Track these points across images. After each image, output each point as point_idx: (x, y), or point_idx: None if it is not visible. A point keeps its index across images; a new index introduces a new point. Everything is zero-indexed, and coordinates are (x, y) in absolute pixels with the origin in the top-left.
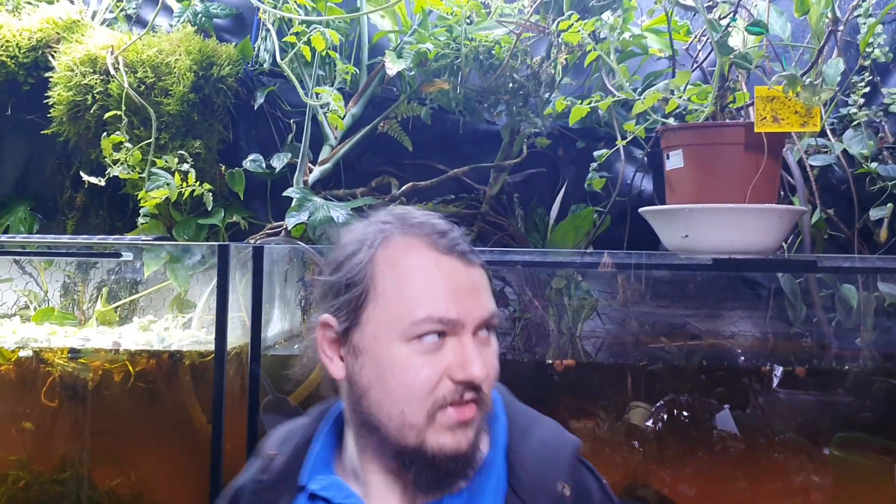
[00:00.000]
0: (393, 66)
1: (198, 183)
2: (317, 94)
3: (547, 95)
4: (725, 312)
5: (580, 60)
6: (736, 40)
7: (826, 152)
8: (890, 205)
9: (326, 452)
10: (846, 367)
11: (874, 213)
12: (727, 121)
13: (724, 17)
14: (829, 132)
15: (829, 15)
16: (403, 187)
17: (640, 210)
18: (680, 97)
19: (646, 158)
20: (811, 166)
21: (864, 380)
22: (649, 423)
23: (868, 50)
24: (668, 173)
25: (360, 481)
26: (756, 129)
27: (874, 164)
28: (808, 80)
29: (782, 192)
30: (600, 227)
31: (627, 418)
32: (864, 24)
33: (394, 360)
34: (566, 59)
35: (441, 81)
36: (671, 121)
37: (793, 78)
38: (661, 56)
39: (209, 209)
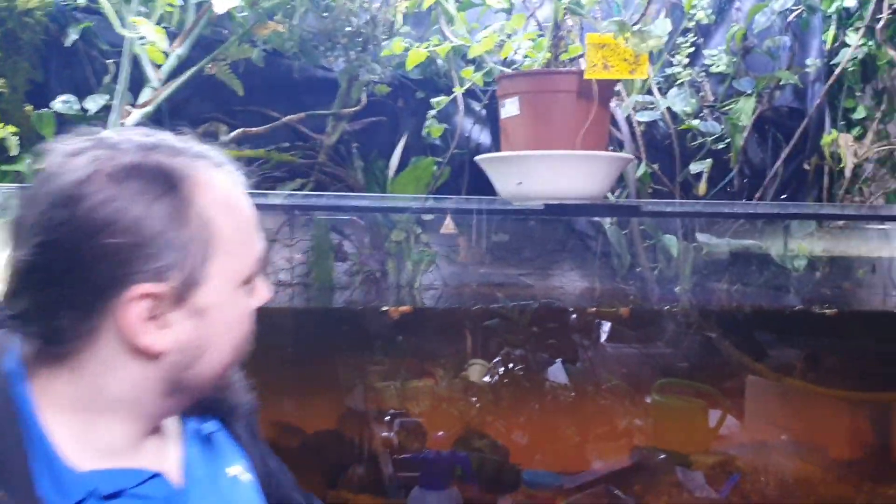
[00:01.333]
0: (221, 3)
1: (1, 125)
2: (134, 25)
3: (385, 41)
4: (557, 265)
5: (424, 11)
6: None
7: (652, 109)
8: (709, 160)
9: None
10: (668, 316)
11: (694, 168)
12: (559, 68)
13: None
14: (655, 90)
15: None
16: (232, 133)
17: (477, 158)
18: (515, 42)
19: (484, 111)
20: (638, 122)
21: (683, 327)
22: (486, 378)
23: (692, 11)
24: (504, 121)
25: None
26: (587, 76)
27: (695, 121)
28: (637, 27)
29: (611, 147)
30: (439, 178)
31: (466, 375)
32: None
33: (239, 309)
34: (406, 6)
35: (275, 23)
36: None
37: (622, 24)
38: (499, 8)
39: (13, 154)
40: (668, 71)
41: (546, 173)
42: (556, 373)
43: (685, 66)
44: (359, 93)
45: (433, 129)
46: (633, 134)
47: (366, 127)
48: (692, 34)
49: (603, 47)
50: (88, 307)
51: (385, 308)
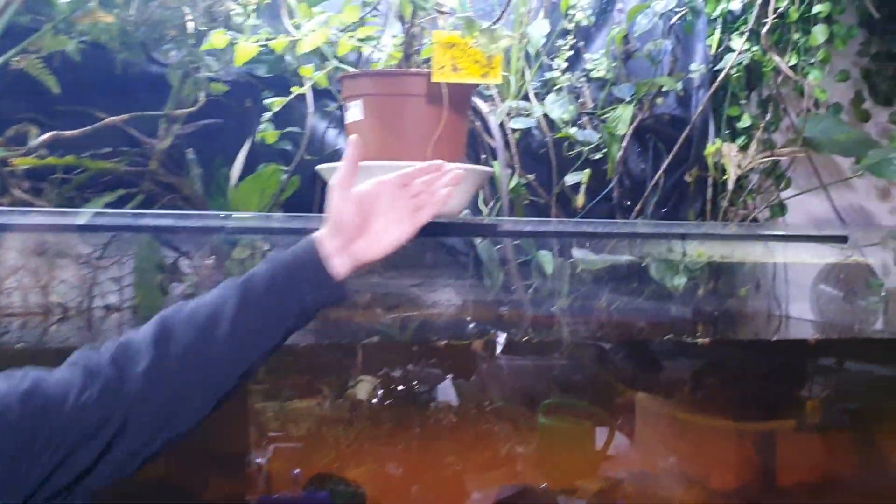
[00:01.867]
0: None
1: None
2: None
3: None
4: (436, 281)
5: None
6: None
7: (528, 115)
8: (587, 170)
9: None
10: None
11: (570, 179)
12: (406, 69)
13: None
14: (532, 96)
15: None
16: (42, 136)
17: (317, 168)
18: (352, 37)
19: (340, 112)
20: (512, 129)
21: (563, 345)
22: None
23: (571, 12)
24: (349, 126)
25: None
26: (434, 79)
27: (573, 129)
28: (487, 24)
29: (484, 156)
30: (286, 188)
31: (353, 393)
32: None
33: None
34: None
35: (101, 12)
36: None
37: (469, 21)
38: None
39: None
40: (547, 75)
41: None
42: (443, 391)
43: (564, 71)
44: (193, 91)
45: (267, 133)
46: (506, 142)
47: (208, 131)
48: (571, 36)
49: (452, 47)
50: None
51: None
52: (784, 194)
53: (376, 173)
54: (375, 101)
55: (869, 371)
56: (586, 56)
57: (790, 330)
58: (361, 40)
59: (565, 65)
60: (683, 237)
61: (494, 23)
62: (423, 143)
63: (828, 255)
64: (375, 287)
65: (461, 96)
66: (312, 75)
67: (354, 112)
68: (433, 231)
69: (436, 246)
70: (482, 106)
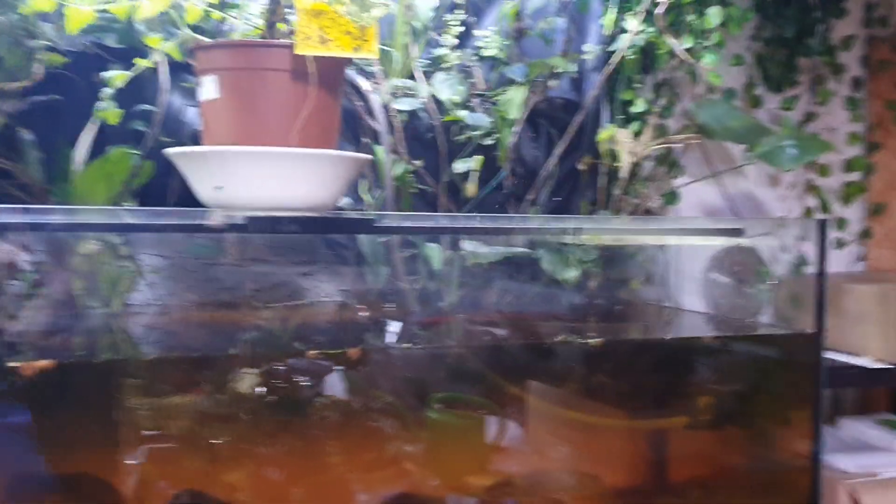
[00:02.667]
0: None
1: None
2: None
3: None
4: (317, 272)
5: None
6: None
7: (413, 96)
8: (479, 157)
9: None
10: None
11: (458, 166)
12: (267, 40)
13: None
14: (419, 75)
15: None
16: None
17: (166, 152)
18: (202, 1)
19: None
20: (397, 111)
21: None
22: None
23: None
24: (203, 106)
25: None
26: (297, 51)
27: (463, 112)
28: None
29: (366, 140)
30: (139, 174)
31: (234, 388)
32: None
33: None
34: None
35: None
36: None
37: None
38: None
39: None
40: (436, 52)
41: (252, 176)
42: (333, 384)
43: (453, 48)
44: (21, 62)
45: (109, 113)
46: (391, 125)
47: (48, 109)
48: (462, 11)
49: (319, 15)
50: None
51: (14, 365)
52: (677, 182)
53: (231, 161)
54: (232, 76)
55: (759, 364)
56: (477, 33)
57: (682, 322)
58: (214, 6)
59: (455, 41)
60: (572, 232)
61: None
62: (286, 126)
63: (719, 243)
64: (257, 277)
65: (333, 72)
66: (160, 46)
67: (208, 89)
68: (292, 226)
69: (313, 238)
70: (364, 84)
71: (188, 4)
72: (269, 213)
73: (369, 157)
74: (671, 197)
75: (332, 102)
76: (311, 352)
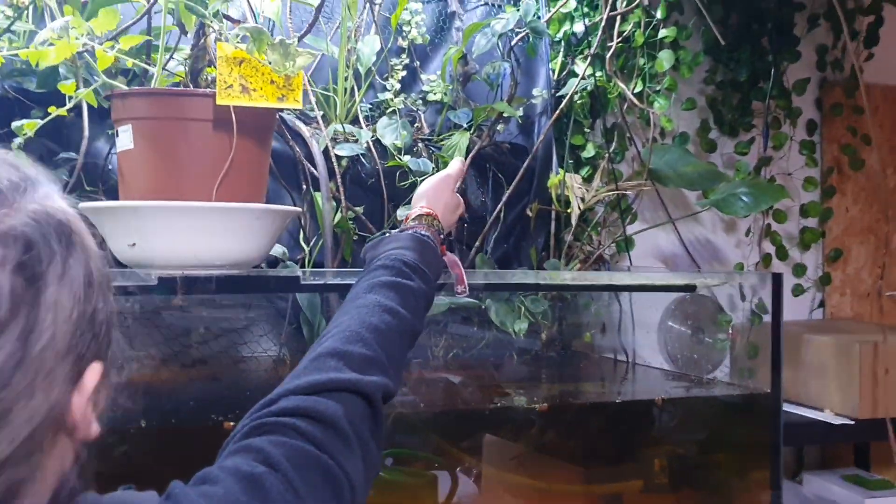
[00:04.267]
0: None
1: None
2: None
3: None
4: (249, 329)
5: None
6: None
7: (355, 141)
8: None
9: None
10: None
11: (403, 212)
12: (189, 88)
13: None
14: (361, 119)
15: None
16: None
17: (80, 206)
18: (112, 47)
19: None
20: (337, 157)
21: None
22: None
23: (406, 28)
24: (120, 156)
25: None
26: (218, 101)
27: (406, 157)
28: (280, 38)
29: (305, 187)
30: None
31: None
32: None
33: None
34: None
35: None
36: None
37: (258, 33)
38: None
39: None
40: (380, 96)
41: (169, 232)
42: None
43: (398, 93)
44: None
45: None
46: (331, 171)
47: None
48: (406, 55)
49: (240, 64)
50: None
51: None
52: (630, 228)
53: (148, 216)
54: (148, 126)
55: (716, 422)
56: (423, 77)
57: (638, 378)
58: (126, 53)
59: (399, 86)
60: (519, 288)
61: (301, 37)
62: (207, 179)
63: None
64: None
65: (259, 122)
66: (75, 93)
67: (124, 139)
68: (208, 286)
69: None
70: (304, 130)
71: (99, 50)
72: (188, 270)
73: (297, 209)
74: (625, 243)
75: (258, 153)
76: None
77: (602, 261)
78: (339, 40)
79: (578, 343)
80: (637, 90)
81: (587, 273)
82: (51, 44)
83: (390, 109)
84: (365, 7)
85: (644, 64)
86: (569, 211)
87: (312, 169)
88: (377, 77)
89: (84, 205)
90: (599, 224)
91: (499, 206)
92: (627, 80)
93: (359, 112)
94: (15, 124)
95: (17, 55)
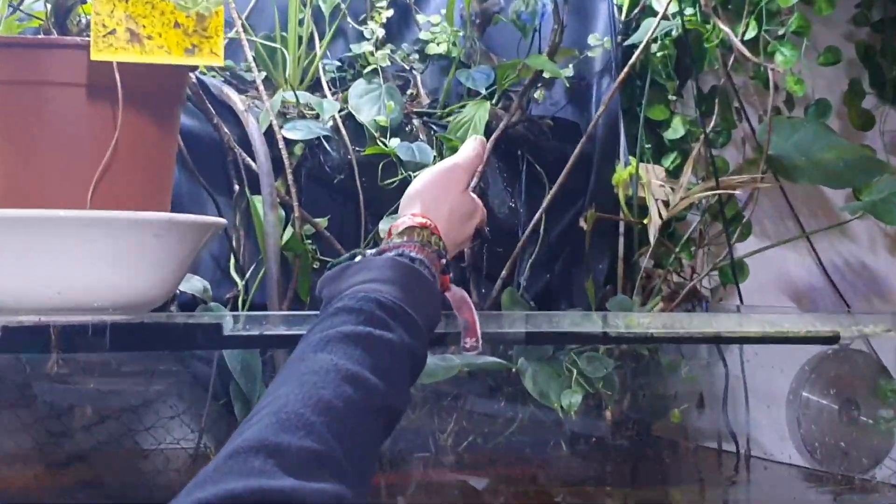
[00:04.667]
0: None
1: None
2: None
3: None
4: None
5: None
6: None
7: (315, 117)
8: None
9: None
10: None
11: (386, 227)
12: (45, 37)
13: None
14: (325, 83)
15: None
16: None
17: None
18: None
19: None
20: (286, 141)
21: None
22: None
23: None
24: None
25: None
26: (93, 55)
27: (395, 142)
28: None
29: (240, 187)
30: None
31: None
32: None
33: None
34: None
35: None
36: None
37: None
38: None
39: None
40: (354, 49)
41: (18, 257)
42: None
43: (380, 43)
44: None
45: None
46: (277, 163)
47: None
48: None
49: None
50: None
51: None
52: (741, 247)
53: None
54: None
55: None
56: (419, 19)
57: (756, 481)
58: None
59: (382, 32)
60: (568, 340)
61: None
62: (79, 174)
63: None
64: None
65: (160, 88)
66: None
67: None
68: (100, 342)
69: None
70: (235, 100)
71: None
72: (48, 316)
73: (222, 221)
74: (732, 271)
75: (158, 134)
76: None
77: (698, 297)
78: None
79: (663, 425)
80: (749, 35)
81: (675, 316)
82: None
83: (369, 69)
84: None
85: None
86: (645, 222)
87: (248, 159)
88: (348, 19)
89: None
90: (693, 241)
91: (537, 214)
92: (734, 20)
93: (321, 72)
94: None
95: None
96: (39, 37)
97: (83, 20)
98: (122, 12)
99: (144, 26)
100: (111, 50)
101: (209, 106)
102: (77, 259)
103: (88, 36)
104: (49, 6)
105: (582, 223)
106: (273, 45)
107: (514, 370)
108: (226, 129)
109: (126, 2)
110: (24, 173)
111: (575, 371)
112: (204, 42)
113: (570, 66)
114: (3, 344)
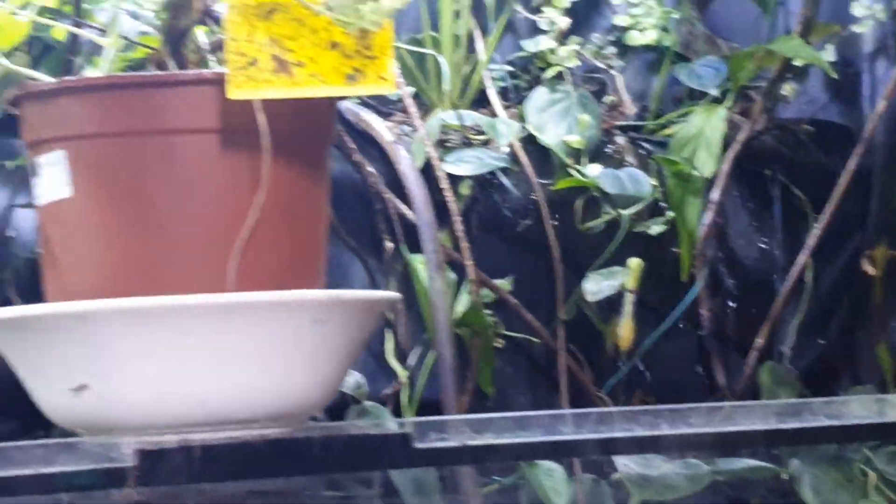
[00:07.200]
0: None
1: None
2: None
3: None
4: None
5: None
6: None
7: (485, 143)
8: (637, 261)
9: None
10: None
11: (594, 287)
12: (170, 72)
13: None
14: (493, 96)
15: None
16: None
17: None
18: (24, 6)
19: None
20: (451, 178)
21: None
22: None
23: None
24: (45, 215)
25: None
26: (230, 92)
27: (594, 169)
28: None
29: (393, 245)
30: None
31: None
32: None
33: None
34: None
35: None
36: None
37: None
38: None
39: None
40: (526, 49)
41: (146, 359)
42: None
43: (563, 36)
44: None
45: None
46: (441, 210)
47: None
48: None
49: (271, 16)
50: None
51: None
52: None
53: (109, 329)
54: (97, 151)
55: None
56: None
57: None
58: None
59: (565, 22)
60: (857, 435)
61: None
62: (214, 249)
63: None
64: None
65: (309, 129)
66: None
67: (52, 179)
68: (253, 466)
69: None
70: (378, 127)
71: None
72: (184, 433)
73: (394, 295)
74: None
75: (309, 189)
76: None
77: None
78: None
79: None
80: None
81: None
82: None
83: (551, 72)
84: None
85: None
86: None
87: (402, 206)
88: (519, 8)
89: None
90: None
91: (801, 256)
92: None
93: (487, 82)
94: None
95: None
96: (158, 73)
97: (203, 44)
98: (265, 35)
99: (293, 50)
100: (253, 84)
101: (346, 139)
102: (221, 358)
103: (213, 64)
104: (159, 33)
105: (866, 266)
106: (422, 50)
107: (785, 475)
108: (369, 169)
109: (269, 20)
110: (146, 249)
111: (872, 474)
112: (368, 64)
113: (830, 47)
114: (138, 472)
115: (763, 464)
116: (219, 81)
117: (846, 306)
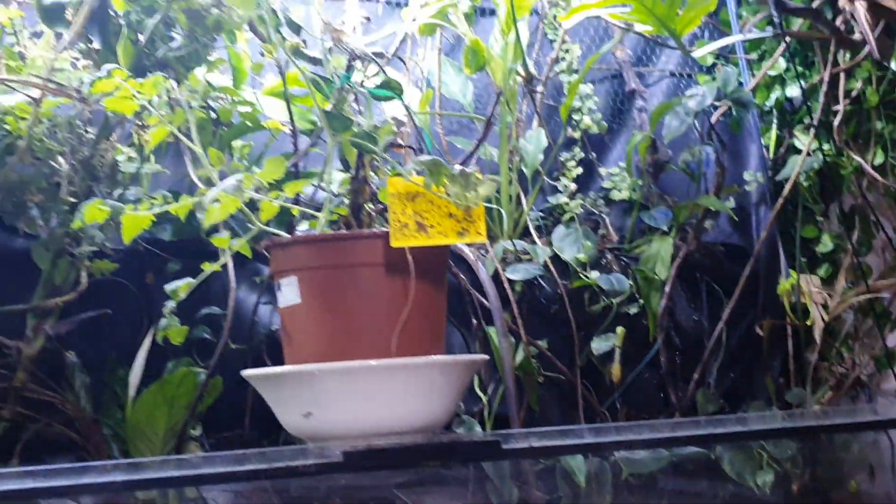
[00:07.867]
0: None
1: None
2: None
3: (119, 192)
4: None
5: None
6: (393, 108)
7: (529, 259)
8: (622, 329)
9: None
10: None
11: (597, 345)
12: (356, 230)
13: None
14: (533, 231)
15: (522, 71)
16: None
17: (244, 374)
18: (277, 197)
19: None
20: (510, 281)
21: None
22: None
23: (577, 117)
24: (283, 313)
25: None
26: (393, 243)
27: (594, 274)
28: (458, 167)
29: (477, 321)
30: (205, 395)
31: None
32: (568, 82)
33: None
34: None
35: None
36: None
37: (435, 165)
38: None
39: None
40: (551, 201)
41: (347, 397)
42: None
43: (573, 194)
44: (67, 274)
45: (171, 331)
46: (504, 300)
47: (95, 323)
48: (578, 148)
49: (415, 199)
50: None
51: None
52: (893, 339)
53: (323, 381)
54: (315, 276)
55: None
56: (602, 171)
57: None
58: (293, 200)
59: (574, 186)
60: (758, 436)
61: (469, 157)
62: (384, 331)
63: None
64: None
65: (435, 260)
66: (229, 245)
67: (289, 293)
68: (400, 458)
69: None
70: (467, 253)
71: (265, 201)
72: (369, 441)
73: (485, 356)
74: (886, 359)
75: (436, 296)
76: None
77: (860, 385)
78: (499, 140)
79: (841, 495)
80: (878, 161)
81: (840, 410)
82: (216, 200)
83: (566, 216)
84: (524, 98)
85: (883, 128)
86: (809, 323)
87: (482, 299)
88: (546, 178)
89: (247, 372)
90: (850, 337)
91: (719, 325)
92: (863, 150)
93: (528, 223)
94: (169, 287)
95: (163, 212)
96: (352, 231)
97: (372, 212)
98: (411, 210)
99: (427, 218)
100: (405, 238)
101: (450, 261)
102: (387, 395)
103: (378, 227)
104: (347, 204)
105: (757, 330)
106: (489, 205)
107: (713, 457)
108: (462, 276)
109: (413, 202)
110: (345, 334)
111: (765, 455)
112: (470, 226)
113: (731, 199)
114: (345, 465)
115: (700, 450)
116: (385, 236)
117: (747, 354)
